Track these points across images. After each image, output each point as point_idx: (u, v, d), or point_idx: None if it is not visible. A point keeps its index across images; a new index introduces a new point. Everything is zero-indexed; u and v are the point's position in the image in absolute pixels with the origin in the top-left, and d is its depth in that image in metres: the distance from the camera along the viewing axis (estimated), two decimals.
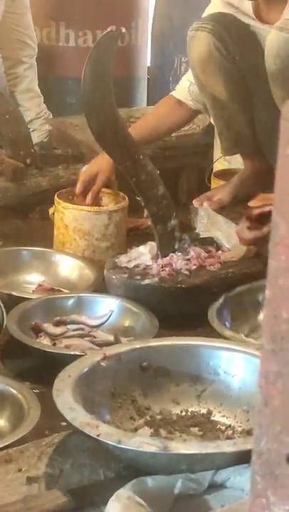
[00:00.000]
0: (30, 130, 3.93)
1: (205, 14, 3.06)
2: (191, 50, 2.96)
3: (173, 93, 3.20)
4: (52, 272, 2.93)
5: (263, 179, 3.24)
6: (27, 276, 2.92)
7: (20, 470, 1.54)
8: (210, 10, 3.06)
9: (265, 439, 0.85)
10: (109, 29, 2.48)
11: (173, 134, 3.72)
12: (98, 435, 1.43)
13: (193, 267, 2.70)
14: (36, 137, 4.03)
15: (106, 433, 1.43)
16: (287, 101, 0.82)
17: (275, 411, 0.84)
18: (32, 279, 2.90)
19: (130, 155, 2.65)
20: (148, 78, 4.76)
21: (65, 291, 2.76)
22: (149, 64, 4.88)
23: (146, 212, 2.75)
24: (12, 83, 4.20)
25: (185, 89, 3.11)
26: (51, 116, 4.23)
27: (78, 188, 3.12)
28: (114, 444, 1.41)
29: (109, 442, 1.42)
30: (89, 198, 3.08)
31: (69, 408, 1.50)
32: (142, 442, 1.40)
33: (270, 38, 2.80)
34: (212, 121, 3.73)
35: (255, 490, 0.86)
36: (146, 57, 4.82)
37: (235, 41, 2.91)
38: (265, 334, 0.84)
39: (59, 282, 2.86)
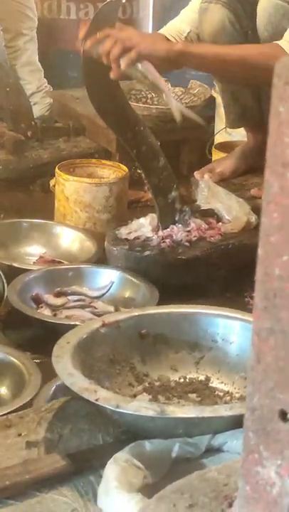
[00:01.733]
0: (32, 104, 3.92)
1: None
2: (203, 23, 2.89)
3: (161, 31, 2.89)
4: (53, 243, 2.94)
5: (265, 153, 3.22)
6: (28, 248, 2.93)
7: (19, 435, 1.55)
8: None
9: (258, 395, 0.86)
10: None
11: None
12: (97, 400, 1.44)
13: (194, 239, 2.71)
14: (37, 111, 4.02)
15: (104, 397, 1.44)
16: (282, 59, 0.82)
17: (267, 367, 0.85)
18: (33, 251, 2.91)
19: (131, 126, 2.64)
20: None
21: (66, 262, 2.77)
22: None
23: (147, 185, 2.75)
24: (12, 56, 4.17)
25: (180, 32, 2.88)
26: (52, 90, 4.23)
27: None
28: (113, 408, 1.42)
29: (107, 407, 1.43)
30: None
31: (68, 374, 1.52)
32: (140, 406, 1.42)
33: (261, 5, 2.78)
34: (214, 94, 3.73)
35: (248, 446, 0.87)
36: (148, 31, 4.80)
37: (249, 15, 2.88)
38: (257, 292, 0.85)
39: (60, 254, 2.87)
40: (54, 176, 3.15)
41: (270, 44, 2.64)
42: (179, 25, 2.91)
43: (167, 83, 2.78)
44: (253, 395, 0.87)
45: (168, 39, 2.77)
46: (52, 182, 3.24)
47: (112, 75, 2.43)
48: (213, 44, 2.80)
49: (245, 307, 2.58)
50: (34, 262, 2.78)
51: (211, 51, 2.62)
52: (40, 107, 4.12)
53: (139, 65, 2.41)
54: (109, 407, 1.43)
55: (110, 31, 2.42)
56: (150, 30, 4.83)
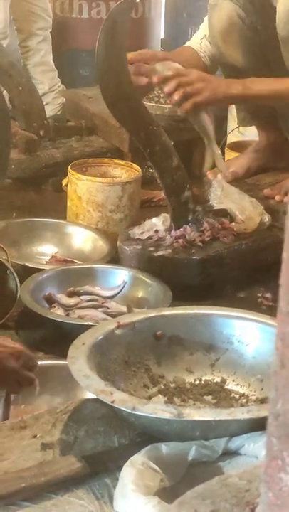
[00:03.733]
0: (44, 103, 3.92)
1: None
2: (213, 18, 2.91)
3: (188, 43, 3.07)
4: (66, 243, 2.93)
5: (277, 151, 3.22)
6: (40, 248, 2.92)
7: (35, 436, 1.54)
8: None
9: (282, 400, 0.85)
10: None
11: None
12: (113, 402, 1.43)
13: (207, 239, 2.70)
14: (49, 111, 4.02)
15: (120, 399, 1.43)
16: None
17: None
18: (45, 251, 2.91)
19: (144, 126, 2.64)
20: (162, 50, 4.73)
21: (79, 262, 2.76)
22: (162, 36, 4.86)
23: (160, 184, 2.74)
24: (25, 56, 4.19)
25: (197, 40, 2.99)
26: (64, 89, 4.23)
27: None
28: (129, 410, 1.41)
29: (123, 409, 1.42)
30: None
31: (84, 375, 1.51)
32: (156, 409, 1.41)
33: (280, 3, 2.77)
34: None
35: (271, 452, 0.86)
36: (160, 29, 4.80)
37: (258, 10, 2.87)
38: (282, 296, 0.84)
39: (72, 253, 2.86)
40: (66, 175, 3.14)
41: None
42: (198, 34, 3.01)
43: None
44: (276, 400, 0.85)
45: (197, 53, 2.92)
46: (64, 181, 3.23)
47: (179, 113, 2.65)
48: (272, 79, 2.80)
49: (259, 308, 2.58)
50: (46, 262, 2.78)
51: (266, 89, 2.71)
52: (52, 107, 4.12)
53: (200, 116, 2.64)
54: (126, 410, 1.42)
55: (177, 73, 2.57)
56: (162, 30, 4.82)
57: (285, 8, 2.74)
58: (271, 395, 0.87)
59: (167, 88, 2.55)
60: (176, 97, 2.55)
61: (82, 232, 2.95)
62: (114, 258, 2.75)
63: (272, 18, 2.83)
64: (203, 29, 2.98)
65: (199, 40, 2.95)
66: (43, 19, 4.18)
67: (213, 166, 3.22)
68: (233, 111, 3.50)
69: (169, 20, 4.78)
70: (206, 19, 3.01)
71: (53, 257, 2.81)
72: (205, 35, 2.95)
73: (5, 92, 3.32)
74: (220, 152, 2.70)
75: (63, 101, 4.17)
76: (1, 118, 2.66)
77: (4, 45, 3.85)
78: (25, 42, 4.19)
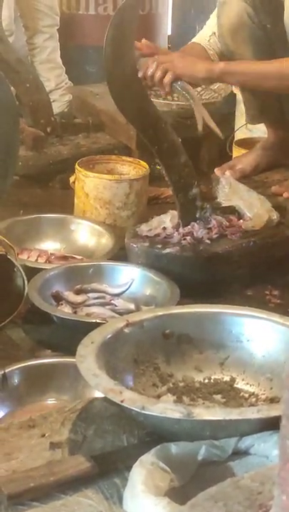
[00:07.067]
0: (51, 100, 3.91)
1: None
2: (222, 16, 2.89)
3: (195, 39, 3.05)
4: (71, 238, 2.92)
5: (286, 148, 3.21)
6: (46, 244, 2.90)
7: (43, 435, 1.54)
8: None
9: None
10: None
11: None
12: (122, 401, 1.42)
13: (215, 236, 2.69)
14: (56, 108, 4.02)
15: (130, 399, 1.43)
16: None
17: None
18: (51, 247, 2.89)
19: (152, 123, 2.63)
20: (169, 47, 4.71)
21: (79, 257, 2.75)
22: (169, 33, 4.84)
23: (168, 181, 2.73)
24: (32, 53, 4.20)
25: (204, 37, 2.98)
26: (72, 86, 4.22)
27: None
28: (138, 410, 1.40)
29: (133, 408, 1.41)
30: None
31: (93, 374, 1.50)
32: (166, 408, 1.40)
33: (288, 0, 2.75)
34: (234, 90, 3.70)
35: (284, 454, 0.85)
36: (167, 26, 4.79)
37: (267, 9, 2.86)
38: None
39: (77, 249, 2.85)
40: (74, 172, 3.13)
41: None
42: (205, 31, 2.98)
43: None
44: None
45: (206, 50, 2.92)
46: (72, 178, 3.22)
47: (162, 93, 2.79)
48: (250, 60, 2.83)
49: (267, 305, 2.57)
50: (46, 261, 2.74)
51: (251, 69, 2.73)
52: (58, 104, 4.11)
53: (178, 84, 2.65)
54: (135, 409, 1.41)
55: (154, 57, 2.65)
56: (169, 27, 4.81)
57: None
58: (284, 397, 0.86)
59: (149, 70, 2.62)
60: (157, 74, 2.62)
61: (88, 227, 2.94)
62: (121, 255, 2.73)
63: (281, 16, 2.81)
64: (211, 26, 2.96)
65: (208, 37, 2.93)
66: (49, 17, 4.18)
67: (221, 163, 3.23)
68: (240, 107, 3.49)
69: (176, 17, 4.76)
70: (212, 16, 2.99)
71: (51, 254, 2.79)
72: (214, 33, 2.94)
73: (12, 89, 3.32)
74: (207, 112, 2.69)
75: (70, 98, 4.17)
76: (10, 117, 2.65)
77: (10, 42, 3.85)
78: (31, 39, 4.19)
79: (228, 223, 2.75)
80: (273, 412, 1.39)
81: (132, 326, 1.71)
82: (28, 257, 2.71)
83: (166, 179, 2.72)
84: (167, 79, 2.63)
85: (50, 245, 2.91)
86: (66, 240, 2.93)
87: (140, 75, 2.62)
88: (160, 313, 1.79)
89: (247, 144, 3.48)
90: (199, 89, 3.81)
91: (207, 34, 2.95)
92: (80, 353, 1.57)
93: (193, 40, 3.03)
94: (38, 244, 2.90)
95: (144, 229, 2.72)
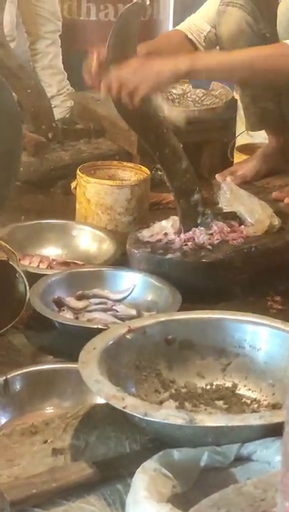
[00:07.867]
0: (52, 106, 3.92)
1: None
2: (221, 25, 2.89)
3: (181, 28, 2.98)
4: (72, 244, 2.92)
5: (286, 154, 3.22)
6: (47, 250, 2.91)
7: (45, 442, 1.54)
8: None
9: None
10: (134, 1, 2.46)
11: (195, 108, 3.70)
12: (124, 407, 1.42)
13: (216, 242, 2.69)
14: (58, 113, 4.02)
15: (132, 405, 1.43)
16: None
17: None
18: (52, 253, 2.89)
19: (153, 128, 2.63)
20: None
21: (80, 263, 2.75)
22: None
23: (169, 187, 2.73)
24: (34, 58, 4.21)
25: (200, 30, 2.93)
26: (73, 91, 4.23)
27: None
28: (141, 416, 1.40)
29: (135, 414, 1.41)
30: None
31: (95, 380, 1.50)
32: (168, 414, 1.40)
33: (281, 8, 2.75)
34: (235, 96, 3.71)
35: (287, 461, 0.85)
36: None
37: (266, 17, 2.86)
38: None
39: (78, 255, 2.85)
40: (75, 178, 3.14)
41: (276, 44, 2.63)
42: (200, 24, 2.95)
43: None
44: None
45: (187, 37, 2.88)
46: (73, 184, 3.23)
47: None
48: (221, 52, 2.80)
49: (268, 311, 2.57)
50: (48, 267, 2.75)
51: (215, 61, 2.61)
52: (60, 110, 4.12)
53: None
54: (137, 415, 1.41)
55: (115, 73, 2.44)
56: None
57: (285, 14, 2.73)
58: (287, 402, 0.86)
59: (112, 93, 2.46)
60: (124, 99, 2.45)
61: (89, 232, 2.94)
62: (123, 261, 2.73)
63: None
64: (207, 22, 2.93)
65: (205, 32, 2.89)
66: (51, 22, 4.18)
67: (222, 168, 3.22)
68: (241, 113, 3.49)
69: (177, 22, 4.72)
70: (203, 9, 2.98)
71: (52, 260, 2.79)
72: (210, 30, 2.92)
73: (14, 95, 3.32)
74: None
75: (72, 104, 4.17)
76: (12, 123, 2.66)
77: (12, 47, 3.85)
78: (33, 45, 4.20)
79: (229, 229, 2.75)
80: (276, 418, 1.39)
81: (133, 332, 1.71)
82: (30, 263, 2.71)
83: (168, 185, 2.72)
84: (136, 103, 2.45)
85: (52, 251, 2.91)
86: (68, 245, 2.93)
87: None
88: (162, 319, 1.79)
89: (248, 149, 3.48)
90: (200, 95, 3.83)
91: (204, 29, 2.93)
92: (82, 359, 1.57)
93: (183, 28, 2.98)
94: (39, 250, 2.90)
95: (145, 234, 2.72)
